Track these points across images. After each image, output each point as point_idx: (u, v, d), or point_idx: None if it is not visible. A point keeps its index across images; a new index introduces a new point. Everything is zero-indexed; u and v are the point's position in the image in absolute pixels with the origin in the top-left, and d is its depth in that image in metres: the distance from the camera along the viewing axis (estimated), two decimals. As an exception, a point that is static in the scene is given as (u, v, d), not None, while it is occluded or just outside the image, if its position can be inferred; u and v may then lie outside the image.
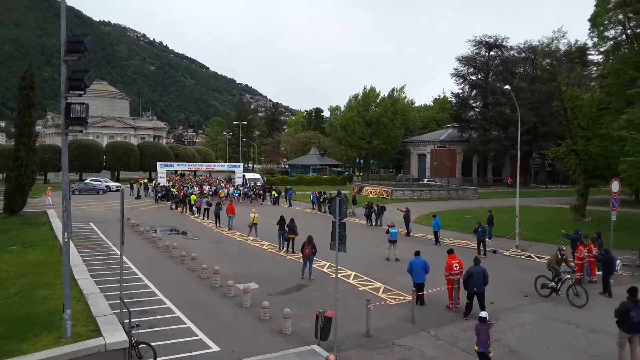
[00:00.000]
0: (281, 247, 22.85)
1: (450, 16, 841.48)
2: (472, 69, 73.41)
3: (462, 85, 74.80)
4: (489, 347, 9.62)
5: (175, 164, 61.12)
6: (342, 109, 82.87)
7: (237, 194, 44.14)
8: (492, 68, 72.56)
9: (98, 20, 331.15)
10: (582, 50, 39.51)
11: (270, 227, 24.43)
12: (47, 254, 18.92)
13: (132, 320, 10.14)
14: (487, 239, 23.00)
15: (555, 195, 56.54)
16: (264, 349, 11.04)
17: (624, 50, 29.88)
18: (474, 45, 72.30)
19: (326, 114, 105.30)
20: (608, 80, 29.71)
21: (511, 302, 14.85)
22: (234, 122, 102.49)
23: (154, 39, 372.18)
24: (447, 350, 11.31)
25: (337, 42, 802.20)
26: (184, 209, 37.22)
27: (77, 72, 10.18)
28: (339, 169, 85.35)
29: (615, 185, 20.95)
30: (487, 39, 71.06)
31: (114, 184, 55.41)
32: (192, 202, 36.31)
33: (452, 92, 78.83)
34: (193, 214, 35.49)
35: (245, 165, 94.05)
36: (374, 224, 31.37)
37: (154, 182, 52.02)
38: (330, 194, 38.93)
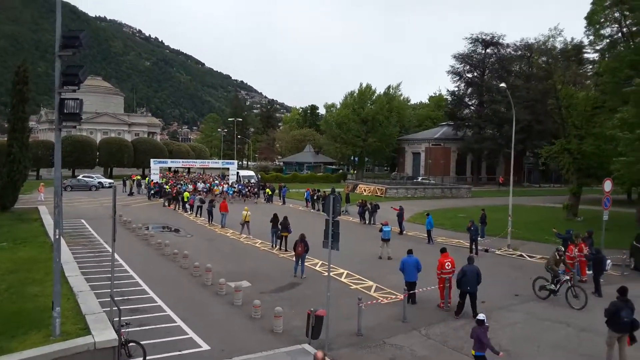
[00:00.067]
0: (274, 245, 22.81)
1: (447, 15, 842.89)
2: (468, 67, 73.50)
3: (458, 83, 74.95)
4: (494, 348, 9.41)
5: (169, 160, 61.04)
6: (338, 106, 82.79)
7: (231, 192, 44.02)
8: (488, 66, 72.70)
9: (94, 16, 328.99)
10: (578, 48, 39.56)
11: (264, 225, 24.38)
12: (38, 251, 18.79)
13: (122, 318, 10.08)
14: (479, 238, 23.07)
15: (548, 194, 56.82)
16: (254, 347, 11.01)
17: (620, 49, 29.93)
18: (471, 43, 72.45)
19: (321, 111, 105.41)
20: (603, 79, 29.78)
21: (502, 301, 14.89)
22: (229, 119, 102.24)
23: (149, 35, 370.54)
24: (437, 350, 11.33)
25: (334, 40, 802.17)
26: (177, 206, 37.07)
27: (72, 68, 10.07)
28: (334, 167, 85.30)
29: (607, 185, 21.03)
30: (484, 37, 71.20)
31: (106, 181, 55.12)
32: (185, 200, 36.18)
33: (447, 90, 79.04)
34: (186, 211, 35.35)
35: (240, 163, 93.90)
36: (367, 222, 31.38)
37: (147, 178, 51.84)
38: (324, 191, 38.91)
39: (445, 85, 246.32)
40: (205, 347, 11.10)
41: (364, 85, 78.04)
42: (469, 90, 74.80)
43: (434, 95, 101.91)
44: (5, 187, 29.53)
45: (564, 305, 14.41)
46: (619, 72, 27.03)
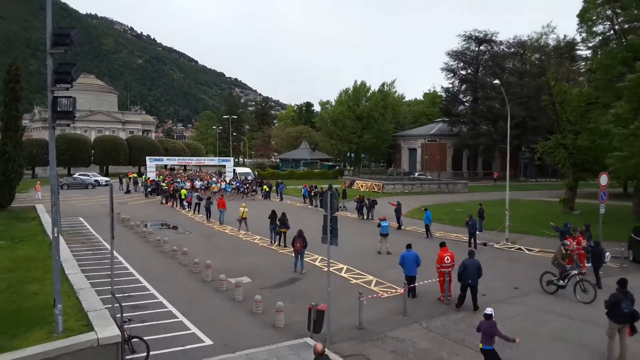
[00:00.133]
0: (273, 241, 22.84)
1: (442, 13, 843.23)
2: (462, 64, 73.81)
3: (452, 80, 75.30)
4: (508, 337, 9.36)
5: (164, 158, 60.80)
6: (333, 103, 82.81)
7: (229, 189, 43.94)
8: (482, 63, 72.98)
9: (85, 13, 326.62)
10: (571, 45, 39.86)
11: (262, 221, 24.39)
12: (37, 249, 18.70)
13: (124, 314, 10.07)
14: (477, 232, 23.17)
15: (545, 188, 57.11)
16: (257, 342, 11.04)
17: (612, 46, 30.13)
18: (464, 40, 72.73)
19: (317, 108, 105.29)
20: (596, 75, 29.99)
21: (502, 294, 14.98)
22: (224, 116, 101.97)
23: (141, 32, 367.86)
24: (439, 342, 11.39)
25: (332, 38, 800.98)
26: (175, 204, 37.01)
27: (64, 65, 9.97)
28: (330, 163, 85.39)
29: (603, 179, 21.13)
30: (477, 34, 71.46)
31: (103, 179, 54.94)
32: (183, 197, 36.12)
33: (442, 87, 79.49)
34: (184, 209, 35.31)
35: (236, 160, 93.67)
36: (365, 217, 31.46)
37: (143, 176, 51.65)
38: (322, 187, 38.95)
39: (440, 81, 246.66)
40: (208, 342, 11.12)
41: (359, 82, 78.17)
42: (463, 87, 75.15)
43: (428, 92, 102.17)
44: (1, 186, 29.47)
45: (564, 298, 14.52)
46: (612, 69, 27.22)
